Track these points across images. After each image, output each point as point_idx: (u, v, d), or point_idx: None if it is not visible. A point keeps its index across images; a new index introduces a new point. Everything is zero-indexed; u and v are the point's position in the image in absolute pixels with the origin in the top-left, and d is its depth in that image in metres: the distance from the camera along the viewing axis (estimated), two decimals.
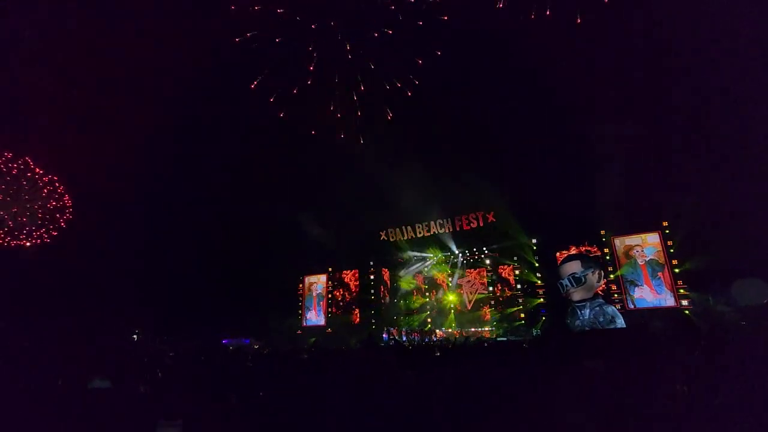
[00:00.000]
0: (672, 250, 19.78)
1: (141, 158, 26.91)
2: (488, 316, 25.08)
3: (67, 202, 27.15)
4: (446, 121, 27.01)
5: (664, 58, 20.43)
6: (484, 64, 24.98)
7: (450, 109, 26.82)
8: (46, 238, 26.27)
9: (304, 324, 30.18)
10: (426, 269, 28.41)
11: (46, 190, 26.68)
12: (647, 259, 20.44)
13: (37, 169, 26.55)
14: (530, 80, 24.25)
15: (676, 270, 19.45)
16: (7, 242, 24.99)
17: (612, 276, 20.64)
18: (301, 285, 31.13)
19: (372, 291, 28.50)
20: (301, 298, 30.90)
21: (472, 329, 24.67)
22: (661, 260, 20.05)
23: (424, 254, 27.89)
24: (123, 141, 26.00)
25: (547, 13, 18.20)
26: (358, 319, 28.31)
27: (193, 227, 29.82)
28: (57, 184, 26.96)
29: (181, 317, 27.42)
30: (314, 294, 30.68)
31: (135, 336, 27.84)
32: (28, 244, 25.59)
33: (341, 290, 29.93)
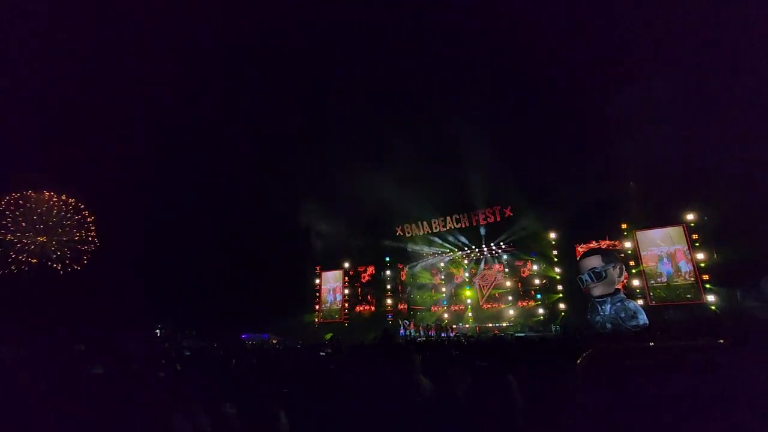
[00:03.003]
0: (697, 244, 19.14)
1: (156, 161, 27.51)
2: (506, 312, 24.81)
3: (92, 232, 28.52)
4: (461, 115, 26.76)
5: (686, 50, 19.75)
6: (499, 58, 24.68)
7: (465, 103, 26.62)
8: (77, 266, 27.57)
9: (321, 319, 30.44)
10: (442, 265, 28.27)
11: (75, 220, 28.18)
12: (671, 253, 19.86)
13: (70, 200, 27.96)
14: (548, 73, 23.85)
15: (702, 264, 18.83)
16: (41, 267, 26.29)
17: (634, 271, 20.13)
18: (318, 280, 31.37)
19: (388, 286, 28.54)
20: (318, 294, 31.16)
21: (490, 325, 24.48)
22: (686, 254, 19.45)
23: (440, 250, 27.76)
24: (135, 144, 26.62)
25: None
26: (374, 314, 28.40)
27: (211, 225, 30.40)
28: (85, 213, 28.26)
29: (202, 313, 28.01)
30: (331, 289, 30.88)
31: (158, 331, 28.58)
32: (60, 269, 26.77)
33: (357, 285, 30.06)
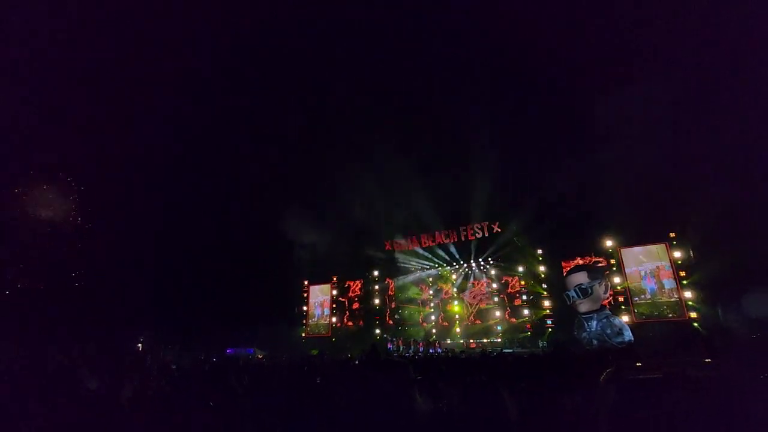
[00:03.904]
0: (679, 262, 19.59)
1: (146, 167, 27.31)
2: (493, 327, 24.85)
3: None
4: (451, 131, 27.25)
5: (671, 63, 20.44)
6: (492, 74, 25.31)
7: (455, 118, 27.14)
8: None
9: (308, 334, 30.08)
10: (431, 279, 28.32)
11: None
12: (654, 270, 20.25)
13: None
14: (539, 91, 24.49)
15: (684, 282, 19.24)
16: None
17: (619, 287, 20.45)
18: (305, 294, 31.09)
19: (376, 301, 28.43)
20: (305, 308, 30.84)
21: (477, 340, 24.48)
22: (669, 272, 19.86)
23: (429, 264, 27.84)
24: (127, 149, 26.46)
25: None
26: (361, 329, 28.19)
27: (196, 236, 30.03)
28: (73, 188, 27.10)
29: (185, 326, 27.43)
30: (318, 303, 30.62)
31: (139, 345, 27.84)
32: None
33: (345, 300, 29.87)
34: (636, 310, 20.03)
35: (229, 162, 29.58)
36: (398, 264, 28.51)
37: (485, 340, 24.27)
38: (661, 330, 18.77)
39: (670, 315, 19.28)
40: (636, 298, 20.21)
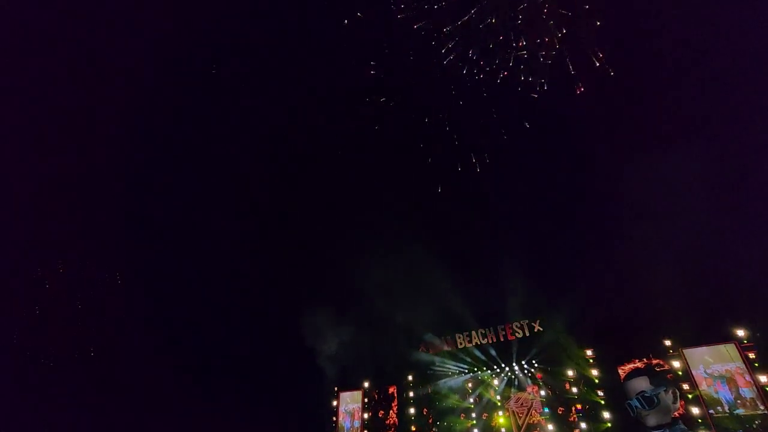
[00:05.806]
0: (757, 364, 17.01)
1: (161, 257, 28.27)
2: None
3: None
4: (488, 220, 27.13)
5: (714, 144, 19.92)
6: (528, 160, 25.85)
7: (493, 208, 27.21)
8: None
9: None
10: (470, 385, 25.77)
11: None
12: (727, 376, 17.60)
13: None
14: (581, 182, 24.47)
15: None
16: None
17: (690, 396, 17.72)
18: (335, 402, 28.86)
19: (411, 410, 25.87)
20: (335, 418, 28.39)
21: None
22: (746, 377, 17.17)
23: (466, 368, 25.61)
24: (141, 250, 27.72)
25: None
26: None
27: (220, 339, 29.62)
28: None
29: None
30: (349, 413, 28.19)
31: None
32: None
33: (379, 408, 27.39)
34: (716, 425, 17.00)
35: (247, 261, 30.19)
36: (433, 368, 26.40)
37: None
38: None
39: (761, 430, 16.18)
40: (711, 410, 17.29)
